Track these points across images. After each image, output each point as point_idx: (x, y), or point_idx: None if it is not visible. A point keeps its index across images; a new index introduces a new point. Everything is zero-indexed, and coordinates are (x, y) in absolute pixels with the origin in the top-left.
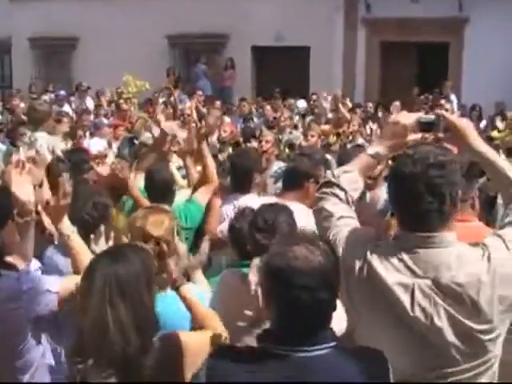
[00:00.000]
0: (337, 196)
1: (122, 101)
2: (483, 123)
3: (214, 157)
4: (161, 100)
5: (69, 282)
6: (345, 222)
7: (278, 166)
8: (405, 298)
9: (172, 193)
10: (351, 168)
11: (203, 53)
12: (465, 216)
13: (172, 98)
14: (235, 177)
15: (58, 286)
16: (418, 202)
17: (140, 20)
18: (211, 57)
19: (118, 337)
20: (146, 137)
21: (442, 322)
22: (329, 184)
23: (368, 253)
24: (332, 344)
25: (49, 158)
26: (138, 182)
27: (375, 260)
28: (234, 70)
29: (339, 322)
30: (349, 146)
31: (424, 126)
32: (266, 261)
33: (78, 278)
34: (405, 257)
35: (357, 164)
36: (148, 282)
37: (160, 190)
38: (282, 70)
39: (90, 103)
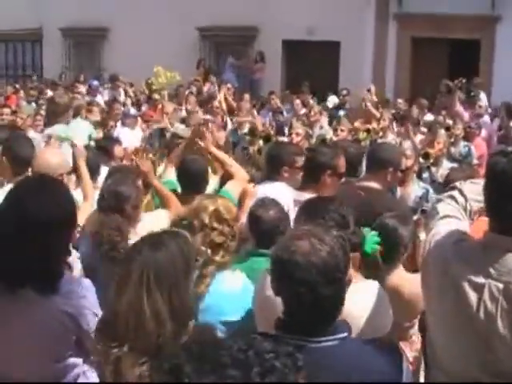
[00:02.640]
0: (454, 199)
1: (156, 95)
2: None
3: (244, 148)
4: (187, 92)
5: None
6: (447, 221)
7: None
8: (473, 297)
9: (206, 183)
10: (480, 181)
11: (234, 45)
12: None
13: (205, 89)
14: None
15: None
16: (505, 202)
17: (171, 11)
18: (242, 49)
19: (153, 324)
20: (180, 128)
21: (505, 330)
22: (452, 188)
23: (449, 247)
24: (341, 335)
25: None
26: (168, 173)
27: (453, 255)
28: (263, 63)
29: (382, 318)
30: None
31: None
32: (272, 253)
33: None
34: (484, 257)
35: None
36: (186, 269)
37: (195, 179)
38: (312, 65)
39: (121, 95)
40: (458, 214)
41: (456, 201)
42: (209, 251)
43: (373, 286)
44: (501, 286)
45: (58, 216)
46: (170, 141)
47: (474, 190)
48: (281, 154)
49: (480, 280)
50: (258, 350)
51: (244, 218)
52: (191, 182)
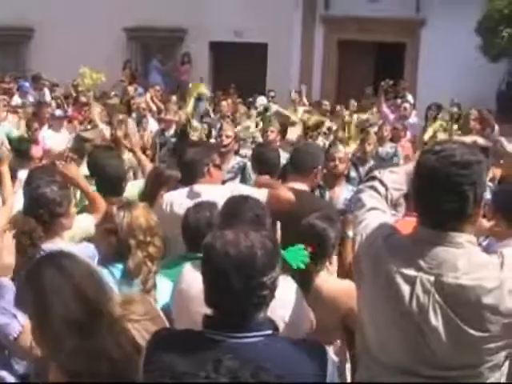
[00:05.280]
0: (376, 190)
1: (82, 95)
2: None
3: (172, 150)
4: (112, 93)
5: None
6: (375, 214)
7: (236, 161)
8: (405, 289)
9: (125, 184)
10: (398, 170)
11: (161, 47)
12: None
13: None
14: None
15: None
16: (434, 198)
17: (98, 12)
18: (169, 51)
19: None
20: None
21: (437, 321)
22: (372, 178)
23: (380, 242)
24: (265, 333)
25: None
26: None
27: (385, 249)
28: (190, 64)
29: (302, 318)
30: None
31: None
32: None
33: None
34: (414, 250)
35: (405, 168)
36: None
37: (115, 184)
38: (240, 66)
39: (47, 96)
40: (382, 206)
41: (378, 192)
42: (149, 264)
43: (289, 282)
44: (432, 278)
45: None
46: (78, 145)
47: (393, 178)
48: (194, 155)
49: (411, 273)
50: (230, 369)
51: None
52: (111, 186)
